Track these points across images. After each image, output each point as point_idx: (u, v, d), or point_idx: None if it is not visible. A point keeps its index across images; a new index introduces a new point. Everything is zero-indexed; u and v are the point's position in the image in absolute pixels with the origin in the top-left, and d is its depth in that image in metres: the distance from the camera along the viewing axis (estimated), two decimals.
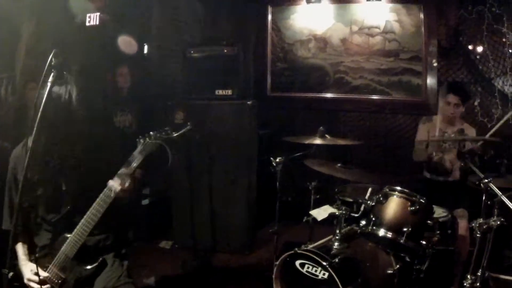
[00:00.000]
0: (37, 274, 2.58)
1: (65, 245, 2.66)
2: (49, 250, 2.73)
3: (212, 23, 7.04)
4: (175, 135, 2.69)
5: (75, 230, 2.63)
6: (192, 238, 5.55)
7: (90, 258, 2.76)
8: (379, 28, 6.15)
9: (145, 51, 7.31)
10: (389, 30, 6.11)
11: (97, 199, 2.60)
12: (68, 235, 2.66)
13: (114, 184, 2.60)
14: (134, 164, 2.66)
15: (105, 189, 2.62)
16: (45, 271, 2.66)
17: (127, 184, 2.63)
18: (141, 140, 2.66)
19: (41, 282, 2.59)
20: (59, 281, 2.66)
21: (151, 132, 2.64)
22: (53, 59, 2.24)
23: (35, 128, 2.22)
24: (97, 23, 6.94)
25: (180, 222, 5.82)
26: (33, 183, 2.65)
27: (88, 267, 2.73)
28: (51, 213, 2.76)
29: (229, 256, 5.47)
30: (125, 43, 6.53)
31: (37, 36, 6.96)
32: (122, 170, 2.64)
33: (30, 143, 2.57)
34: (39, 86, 2.35)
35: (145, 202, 6.25)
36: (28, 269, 2.68)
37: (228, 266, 5.26)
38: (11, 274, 2.22)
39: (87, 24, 6.93)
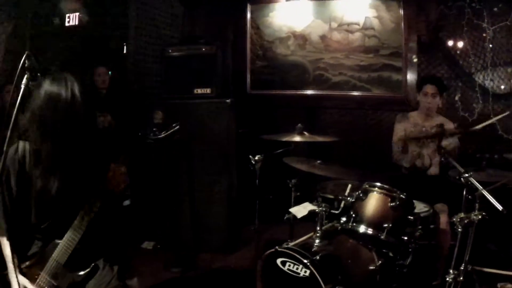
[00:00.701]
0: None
1: (56, 251, 2.60)
2: (40, 257, 2.66)
3: (191, 21, 7.01)
4: (162, 135, 2.64)
5: (66, 236, 2.58)
6: (174, 239, 5.52)
7: (81, 264, 2.70)
8: (358, 25, 6.15)
9: (124, 51, 7.27)
10: (369, 26, 6.11)
11: (87, 203, 2.56)
12: (59, 241, 2.60)
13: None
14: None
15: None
16: (36, 279, 2.61)
17: (110, 175, 2.60)
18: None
19: None
20: None
21: (139, 133, 2.59)
22: (26, 61, 2.21)
23: (9, 132, 2.19)
24: (76, 23, 6.90)
25: (161, 223, 5.79)
26: (25, 188, 2.59)
27: (81, 273, 2.68)
28: (41, 219, 2.65)
29: (212, 256, 5.44)
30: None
31: (15, 37, 6.90)
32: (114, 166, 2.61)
33: (26, 147, 2.58)
34: (76, 94, 2.40)
35: (126, 203, 6.20)
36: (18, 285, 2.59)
37: (210, 266, 5.23)
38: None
39: (66, 24, 6.88)
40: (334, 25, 6.23)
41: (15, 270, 2.52)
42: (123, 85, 6.44)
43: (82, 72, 6.46)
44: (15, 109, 2.15)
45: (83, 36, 7.12)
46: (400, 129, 4.98)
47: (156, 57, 6.56)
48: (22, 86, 2.20)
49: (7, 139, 2.17)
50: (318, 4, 6.31)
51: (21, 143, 2.59)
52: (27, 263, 2.65)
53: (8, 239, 2.59)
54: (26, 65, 2.21)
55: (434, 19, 5.94)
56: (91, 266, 2.71)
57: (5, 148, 2.20)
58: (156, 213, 5.81)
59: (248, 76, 6.80)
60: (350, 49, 6.18)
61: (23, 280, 2.59)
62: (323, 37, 6.28)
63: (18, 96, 2.21)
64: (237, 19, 6.77)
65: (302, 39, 6.38)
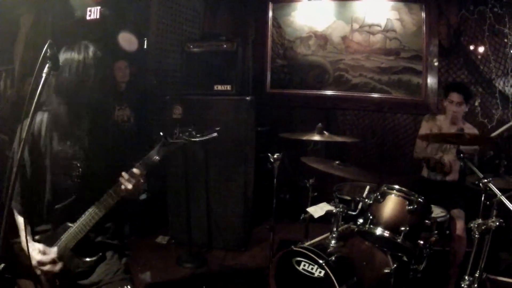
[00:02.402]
0: (44, 253, 2.58)
1: (65, 234, 2.62)
2: (49, 235, 2.68)
3: (212, 18, 7.02)
4: (198, 140, 2.59)
5: (78, 221, 2.59)
6: (188, 234, 5.49)
7: (89, 251, 2.70)
8: (380, 26, 6.11)
9: (144, 45, 7.30)
10: (390, 29, 6.08)
11: (105, 195, 2.56)
12: (70, 225, 2.62)
13: (125, 182, 2.53)
14: (150, 163, 2.58)
15: (114, 186, 2.56)
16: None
17: (134, 183, 2.55)
18: (162, 139, 2.56)
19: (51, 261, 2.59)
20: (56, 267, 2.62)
21: (175, 131, 2.56)
22: (48, 50, 2.20)
23: (30, 116, 2.16)
24: (97, 17, 6.93)
25: (176, 218, 5.78)
26: (42, 168, 2.63)
27: (87, 259, 2.69)
28: (56, 201, 2.70)
29: (225, 253, 5.44)
30: (126, 39, 6.52)
31: (36, 29, 6.95)
32: (136, 170, 2.56)
33: (43, 118, 2.64)
34: (89, 57, 2.47)
35: (143, 197, 6.23)
36: (35, 250, 2.60)
37: (223, 263, 5.22)
38: (2, 265, 2.15)
39: (88, 18, 6.92)
40: (356, 26, 6.20)
41: (26, 236, 2.56)
42: (143, 80, 6.47)
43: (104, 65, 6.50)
44: (36, 97, 2.16)
45: (103, 30, 7.17)
46: (426, 128, 4.95)
47: (176, 53, 6.57)
48: (44, 75, 2.19)
49: (28, 124, 2.17)
50: (339, 4, 6.28)
51: (38, 115, 2.66)
52: (37, 237, 2.67)
53: (22, 209, 2.68)
54: (48, 54, 2.20)
55: (455, 23, 5.90)
56: (98, 255, 2.73)
57: (23, 136, 2.20)
58: (172, 208, 5.81)
59: (268, 74, 6.77)
60: (370, 50, 6.14)
61: (38, 245, 2.61)
62: (344, 38, 6.25)
63: (39, 84, 2.20)
64: (258, 17, 6.75)
65: (323, 39, 6.35)
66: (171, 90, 6.13)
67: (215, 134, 2.52)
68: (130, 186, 2.52)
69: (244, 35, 6.61)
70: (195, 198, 5.52)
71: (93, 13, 7.04)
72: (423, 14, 5.95)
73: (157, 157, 2.57)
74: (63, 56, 2.53)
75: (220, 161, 5.47)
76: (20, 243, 2.60)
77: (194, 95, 5.62)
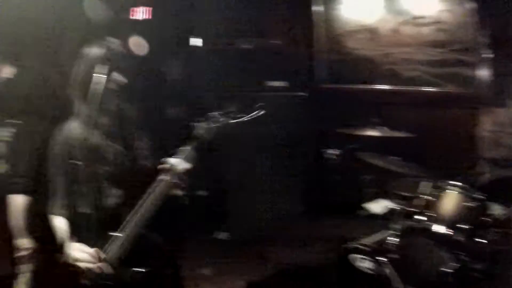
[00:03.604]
0: (83, 250, 2.53)
1: (112, 245, 2.54)
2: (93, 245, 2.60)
3: (261, 14, 7.04)
4: (245, 118, 2.50)
5: (124, 228, 2.51)
6: (248, 230, 5.60)
7: (135, 260, 2.62)
8: (429, 18, 6.01)
9: (195, 43, 7.39)
10: (440, 20, 5.96)
11: (145, 196, 2.47)
12: (116, 234, 2.54)
13: (165, 177, 2.46)
14: (188, 154, 2.49)
15: (153, 184, 2.46)
16: None
17: (178, 174, 2.47)
18: (200, 125, 2.49)
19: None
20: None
21: (215, 113, 2.52)
22: (110, 46, 2.36)
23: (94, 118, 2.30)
24: (149, 16, 7.05)
25: (236, 214, 5.87)
26: (85, 172, 2.60)
27: (135, 269, 2.61)
28: (97, 206, 2.66)
29: (282, 249, 5.48)
30: (135, 44, 6.63)
31: (84, 31, 7.10)
32: (173, 161, 2.48)
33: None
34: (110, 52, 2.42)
35: (203, 193, 6.34)
36: (74, 248, 2.57)
37: (282, 260, 5.28)
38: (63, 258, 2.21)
39: (139, 18, 7.04)
40: (405, 18, 6.10)
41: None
42: (195, 77, 6.54)
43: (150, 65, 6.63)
44: (100, 93, 2.30)
45: (150, 28, 7.27)
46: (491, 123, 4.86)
47: (226, 49, 6.64)
48: (105, 70, 2.32)
49: (92, 122, 2.35)
50: None
51: (73, 122, 2.67)
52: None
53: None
54: (108, 48, 2.37)
55: (507, 13, 5.79)
56: (141, 269, 2.64)
57: (88, 132, 2.35)
58: (231, 204, 5.90)
59: (320, 69, 6.68)
60: (421, 43, 6.01)
61: (81, 246, 2.56)
62: (393, 31, 6.15)
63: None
64: (306, 11, 6.71)
65: (372, 32, 6.28)
66: (225, 87, 6.20)
67: (261, 112, 2.43)
68: (167, 179, 2.46)
69: (293, 30, 6.60)
70: (254, 193, 5.61)
71: (138, 13, 7.17)
72: (473, 4, 5.84)
73: (204, 135, 2.50)
74: (86, 51, 2.59)
75: (278, 158, 5.51)
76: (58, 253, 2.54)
77: (248, 92, 5.67)
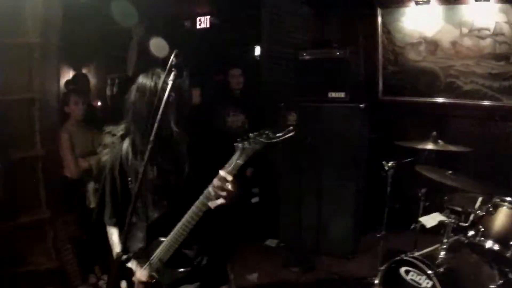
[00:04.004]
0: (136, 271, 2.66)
1: (159, 249, 2.63)
2: (143, 252, 2.72)
3: (321, 25, 7.08)
4: (275, 140, 2.53)
5: (171, 234, 2.57)
6: (297, 238, 5.62)
7: (183, 264, 2.73)
8: (489, 30, 5.86)
9: (256, 53, 7.50)
10: (499, 32, 5.81)
11: (193, 206, 2.49)
12: (163, 239, 2.62)
13: (211, 192, 2.45)
14: (231, 171, 2.45)
15: (201, 196, 2.47)
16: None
17: (227, 187, 2.44)
18: (239, 145, 2.43)
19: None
20: (152, 281, 2.67)
21: (250, 134, 2.43)
22: (174, 59, 2.30)
23: (154, 129, 2.27)
24: (208, 26, 7.19)
25: (286, 222, 5.93)
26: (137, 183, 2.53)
27: (181, 270, 2.71)
28: (148, 215, 2.75)
29: (332, 259, 5.51)
30: (158, 46, 6.72)
31: (148, 38, 7.31)
32: (223, 173, 2.45)
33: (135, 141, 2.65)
34: (159, 85, 2.39)
35: (255, 200, 6.42)
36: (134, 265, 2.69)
37: (330, 269, 5.29)
38: (125, 257, 2.26)
39: (198, 27, 7.20)
40: (465, 30, 5.97)
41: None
42: (257, 86, 6.64)
43: (214, 73, 6.76)
44: (162, 104, 2.26)
45: (214, 38, 7.41)
46: None
47: (288, 60, 6.70)
48: (170, 83, 2.28)
49: (153, 133, 2.26)
50: (447, 8, 6.08)
51: (126, 142, 2.75)
52: (131, 254, 2.60)
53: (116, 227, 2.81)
54: (173, 63, 2.29)
55: None
56: (193, 265, 2.75)
57: (151, 138, 2.28)
58: (283, 212, 5.96)
59: (380, 81, 6.72)
60: (480, 56, 5.89)
61: (132, 264, 2.66)
62: (454, 43, 6.06)
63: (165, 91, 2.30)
64: (367, 23, 6.69)
65: (433, 44, 6.20)
66: (284, 97, 6.26)
67: (292, 133, 2.45)
68: (212, 193, 2.45)
69: (353, 41, 6.60)
70: (306, 203, 5.64)
71: (203, 22, 7.32)
72: None
73: (237, 163, 2.45)
74: (138, 82, 2.61)
75: (333, 168, 5.52)
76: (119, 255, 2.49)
77: (308, 102, 5.72)
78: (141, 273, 2.66)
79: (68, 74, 6.85)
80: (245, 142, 2.40)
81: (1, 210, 4.24)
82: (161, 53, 6.47)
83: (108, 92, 8.16)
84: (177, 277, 2.71)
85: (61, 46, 4.74)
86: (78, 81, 6.26)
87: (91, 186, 4.94)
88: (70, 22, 5.03)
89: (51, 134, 4.72)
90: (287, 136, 2.39)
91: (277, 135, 2.36)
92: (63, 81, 6.06)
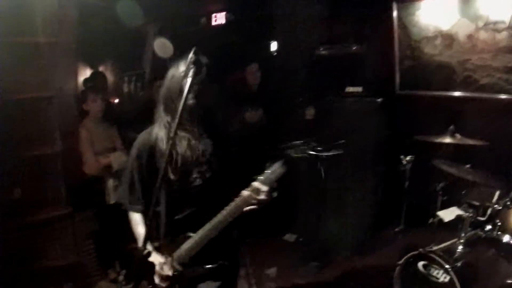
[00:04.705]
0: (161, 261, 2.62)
1: (186, 243, 2.63)
2: (169, 243, 2.71)
3: (336, 20, 7.06)
4: (324, 155, 2.49)
5: (200, 231, 2.57)
6: (316, 233, 5.62)
7: (208, 261, 2.74)
8: (504, 23, 5.80)
9: (273, 48, 7.51)
10: None
11: (228, 208, 2.50)
12: (191, 234, 2.63)
13: (247, 197, 2.49)
14: (272, 178, 2.52)
15: (236, 199, 2.50)
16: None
17: (261, 197, 2.50)
18: (284, 156, 2.48)
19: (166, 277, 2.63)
20: (175, 274, 2.65)
21: (295, 142, 2.50)
22: (192, 55, 2.30)
23: (176, 120, 2.26)
24: (223, 22, 7.21)
25: (305, 216, 5.89)
26: (168, 176, 2.62)
27: (206, 266, 2.72)
28: (177, 210, 2.74)
29: (351, 254, 5.49)
30: (162, 47, 6.77)
31: (163, 36, 7.36)
32: (258, 183, 2.50)
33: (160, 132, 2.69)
34: (180, 82, 2.41)
35: (274, 195, 6.41)
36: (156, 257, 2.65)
37: (348, 264, 5.29)
38: (146, 251, 2.26)
39: (213, 23, 7.22)
40: (480, 24, 5.84)
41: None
42: (274, 82, 6.65)
43: (230, 69, 6.78)
44: (183, 99, 2.26)
45: (230, 35, 7.43)
46: None
47: (305, 55, 6.70)
48: (189, 79, 2.28)
49: (175, 127, 2.26)
50: (462, 1, 5.97)
51: (155, 128, 2.74)
52: (156, 244, 2.69)
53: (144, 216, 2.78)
54: (193, 59, 2.30)
55: None
56: (218, 263, 2.77)
57: (171, 135, 2.28)
58: (302, 207, 5.91)
59: (397, 76, 6.65)
60: (497, 49, 5.74)
61: (157, 256, 2.64)
62: (470, 37, 5.95)
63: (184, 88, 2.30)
64: (383, 17, 6.65)
65: (449, 38, 6.11)
66: (302, 92, 6.26)
67: (340, 152, 2.42)
68: (250, 199, 2.49)
69: (370, 36, 6.58)
70: (325, 198, 5.59)
71: (218, 19, 7.34)
72: None
73: (279, 171, 2.52)
74: (170, 71, 2.64)
75: (351, 162, 5.52)
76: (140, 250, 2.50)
77: (326, 97, 5.73)
78: (163, 266, 2.64)
79: (85, 72, 6.89)
80: (291, 150, 2.44)
81: (21, 206, 4.31)
82: (166, 53, 6.58)
83: (125, 89, 8.23)
84: (201, 273, 2.73)
85: (77, 45, 4.80)
86: (96, 79, 6.30)
87: (110, 182, 4.99)
88: (86, 21, 5.09)
89: (70, 131, 4.79)
90: (335, 153, 2.38)
91: (326, 150, 2.37)
92: (80, 79, 6.10)
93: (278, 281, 5.08)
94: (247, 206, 2.50)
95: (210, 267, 2.74)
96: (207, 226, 2.55)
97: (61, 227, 4.78)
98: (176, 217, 2.72)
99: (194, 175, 2.67)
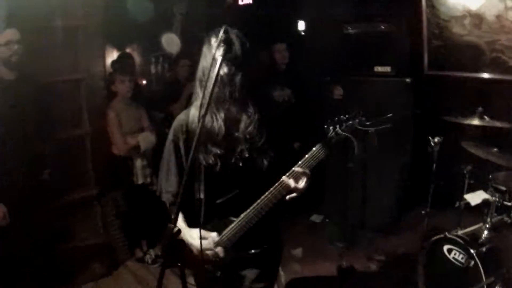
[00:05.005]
0: (204, 237, 2.54)
1: (229, 228, 2.57)
2: (209, 229, 2.63)
3: None
4: (372, 129, 2.44)
5: (242, 216, 2.52)
6: (342, 214, 5.62)
7: (249, 247, 2.68)
8: None
9: (301, 27, 7.47)
10: None
11: (269, 193, 2.45)
12: (234, 219, 2.57)
13: (288, 182, 2.42)
14: (313, 163, 2.45)
15: (277, 184, 2.43)
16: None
17: (302, 184, 2.45)
18: (330, 128, 2.40)
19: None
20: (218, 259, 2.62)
21: (342, 117, 2.40)
22: (223, 34, 2.27)
23: (208, 99, 2.19)
24: (250, 2, 7.18)
25: (332, 197, 5.93)
26: (214, 157, 2.55)
27: (250, 251, 2.67)
28: (218, 193, 2.64)
29: (376, 235, 5.52)
30: (169, 41, 6.76)
31: (190, 16, 7.36)
32: (299, 168, 2.44)
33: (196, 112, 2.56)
34: (211, 61, 2.31)
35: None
36: (193, 235, 2.60)
37: (373, 245, 5.31)
38: (176, 229, 2.23)
39: (240, 3, 7.20)
40: (510, 3, 5.70)
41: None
42: (302, 61, 6.63)
43: (260, 49, 6.77)
44: (213, 80, 2.20)
45: (256, 14, 7.40)
46: None
47: (333, 34, 6.66)
48: (219, 58, 2.25)
49: (205, 108, 2.18)
50: None
51: (192, 109, 2.64)
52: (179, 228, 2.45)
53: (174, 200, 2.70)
54: (223, 38, 2.27)
55: None
56: (262, 247, 2.70)
57: (202, 114, 2.18)
58: (329, 187, 5.97)
59: (425, 55, 6.53)
60: None
61: (195, 230, 2.58)
62: (498, 17, 5.79)
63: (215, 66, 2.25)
64: None
65: (477, 18, 5.98)
66: (330, 71, 6.23)
67: (389, 125, 2.37)
68: (291, 184, 2.42)
69: (398, 15, 6.50)
70: (352, 178, 5.59)
71: None
72: None
73: (323, 153, 2.44)
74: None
75: (379, 143, 5.45)
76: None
77: (354, 76, 5.71)
78: (208, 251, 2.59)
79: (112, 54, 6.94)
80: (337, 128, 2.38)
81: (51, 187, 4.40)
82: (173, 48, 6.58)
83: (152, 70, 8.28)
84: (241, 259, 2.68)
85: (105, 27, 4.85)
86: (123, 61, 6.34)
87: (138, 162, 5.05)
88: (112, 2, 5.11)
89: (98, 113, 4.88)
90: (383, 127, 2.33)
91: (373, 124, 2.33)
92: (108, 61, 6.16)
93: (304, 261, 5.12)
94: (287, 193, 2.45)
95: (254, 252, 2.69)
96: (250, 210, 2.50)
97: (89, 208, 4.88)
98: (218, 201, 2.64)
99: (234, 156, 2.56)
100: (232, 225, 2.57)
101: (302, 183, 2.44)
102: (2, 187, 3.90)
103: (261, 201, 2.46)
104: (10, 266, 4.07)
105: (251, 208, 2.49)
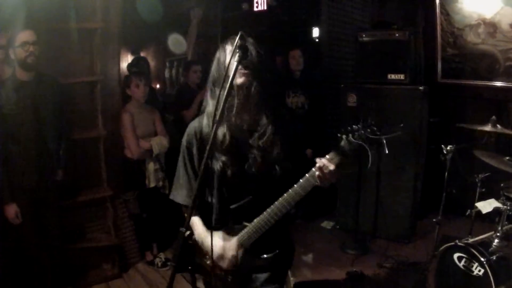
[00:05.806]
0: (224, 238, 2.56)
1: (241, 233, 2.55)
2: (225, 232, 2.61)
3: (380, 6, 7.00)
4: (384, 137, 2.43)
5: (257, 220, 2.48)
6: (354, 221, 5.62)
7: (262, 251, 2.61)
8: None
9: (315, 34, 7.50)
10: None
11: (286, 195, 2.40)
12: (247, 224, 2.53)
13: (303, 185, 2.39)
14: (331, 168, 2.35)
15: (296, 186, 2.40)
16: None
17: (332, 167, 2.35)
18: (343, 137, 2.34)
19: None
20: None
21: (354, 126, 2.34)
22: (238, 40, 2.26)
23: (221, 104, 2.19)
24: (265, 8, 7.22)
25: (343, 204, 5.95)
26: (223, 164, 2.53)
27: (264, 256, 2.60)
28: (231, 199, 2.59)
29: (388, 243, 5.47)
30: (175, 42, 6.77)
31: (206, 21, 7.41)
32: (314, 172, 2.37)
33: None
34: (226, 67, 2.31)
35: None
36: (215, 237, 2.57)
37: (385, 253, 5.26)
38: (188, 232, 2.15)
39: (255, 9, 7.24)
40: None
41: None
42: (317, 68, 6.65)
43: (274, 55, 6.80)
44: (228, 84, 2.19)
45: (272, 20, 7.44)
46: None
47: (348, 41, 6.69)
48: (235, 63, 2.23)
49: (219, 112, 2.18)
50: None
51: (205, 118, 2.61)
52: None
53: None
54: (239, 44, 2.25)
55: None
56: (274, 252, 2.63)
57: (216, 120, 2.18)
58: (341, 194, 5.98)
59: (439, 64, 6.53)
60: None
61: (216, 232, 2.58)
62: None
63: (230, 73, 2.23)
64: (426, 4, 6.55)
65: (492, 27, 5.95)
66: (344, 78, 6.23)
67: (399, 132, 2.35)
68: (309, 184, 2.38)
69: (413, 23, 6.51)
70: (364, 185, 5.59)
71: (260, 4, 7.35)
72: None
73: (336, 158, 2.37)
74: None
75: (392, 151, 5.44)
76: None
77: (368, 84, 5.70)
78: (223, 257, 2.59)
79: (126, 58, 7.01)
80: (350, 136, 2.33)
81: (64, 188, 4.44)
82: (179, 49, 6.60)
83: (167, 74, 8.33)
84: (258, 264, 2.64)
85: (121, 30, 4.89)
86: (139, 64, 6.39)
87: (151, 166, 5.07)
88: (129, 6, 5.15)
89: (113, 115, 4.90)
90: (394, 135, 2.31)
91: (385, 133, 2.30)
92: (123, 64, 6.20)
93: (314, 267, 5.12)
94: (313, 183, 2.40)
95: (267, 257, 2.62)
96: (266, 214, 2.45)
97: (101, 209, 4.92)
98: (231, 207, 2.58)
99: (247, 163, 2.53)
100: (247, 229, 2.53)
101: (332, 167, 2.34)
102: (15, 186, 3.94)
103: (278, 203, 2.42)
104: (22, 265, 4.11)
105: (268, 211, 2.45)
